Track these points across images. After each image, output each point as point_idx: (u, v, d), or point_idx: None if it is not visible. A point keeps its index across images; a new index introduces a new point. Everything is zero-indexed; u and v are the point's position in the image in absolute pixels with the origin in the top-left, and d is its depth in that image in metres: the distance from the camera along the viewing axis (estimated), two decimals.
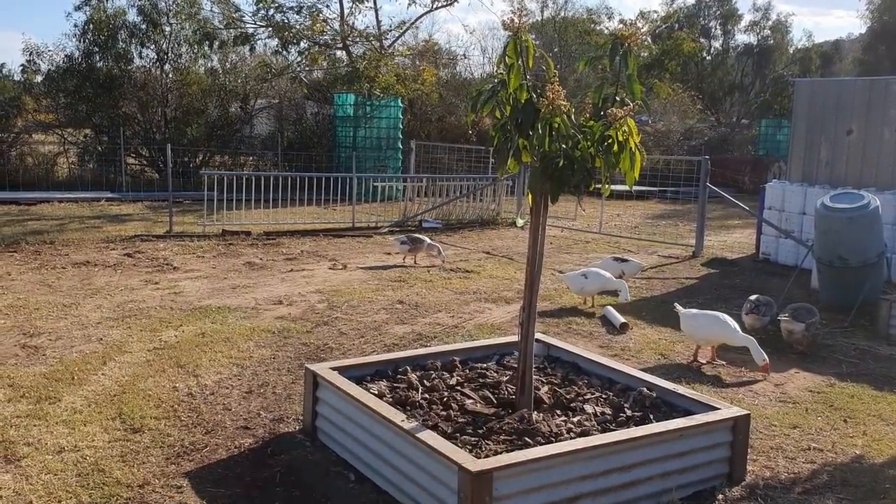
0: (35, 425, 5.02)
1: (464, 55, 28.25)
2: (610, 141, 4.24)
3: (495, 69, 4.43)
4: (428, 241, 11.29)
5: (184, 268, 10.56)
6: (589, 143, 4.32)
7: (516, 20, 4.36)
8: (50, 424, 5.05)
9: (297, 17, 18.92)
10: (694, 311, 7.22)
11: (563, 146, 4.24)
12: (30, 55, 22.06)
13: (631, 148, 4.26)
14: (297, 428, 5.22)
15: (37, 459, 4.54)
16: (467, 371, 5.39)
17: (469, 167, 20.99)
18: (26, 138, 21.35)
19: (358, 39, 20.09)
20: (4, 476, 4.33)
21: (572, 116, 4.36)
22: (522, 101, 4.35)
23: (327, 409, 4.98)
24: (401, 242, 11.33)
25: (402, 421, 4.29)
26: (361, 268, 11.02)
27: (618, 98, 4.46)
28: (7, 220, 14.43)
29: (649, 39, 29.46)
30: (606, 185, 4.60)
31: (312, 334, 7.48)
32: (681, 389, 5.03)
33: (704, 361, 6.93)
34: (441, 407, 4.76)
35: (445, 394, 4.94)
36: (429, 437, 4.09)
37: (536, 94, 4.34)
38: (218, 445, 4.89)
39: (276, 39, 19.06)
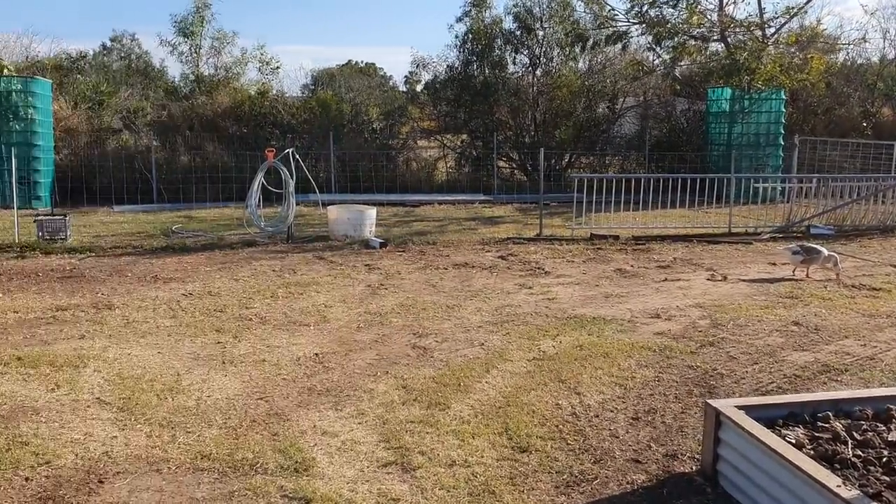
0: (427, 433, 5.08)
1: (863, 38, 24.97)
2: None
3: None
4: (825, 251, 9.92)
5: (555, 272, 10.49)
6: None
7: None
8: (440, 433, 5.07)
9: (673, 10, 18.15)
10: None
11: None
12: (416, 66, 24.09)
13: None
14: (694, 468, 4.65)
15: (430, 471, 4.54)
16: None
17: (862, 165, 18.48)
18: (412, 144, 23.30)
19: (738, 30, 18.69)
20: (402, 486, 4.37)
21: None
22: None
23: (732, 454, 4.35)
24: (793, 252, 10.11)
25: (838, 486, 3.52)
26: (744, 280, 10.05)
27: None
28: (396, 221, 15.72)
29: None
30: None
31: (698, 356, 6.82)
32: None
33: None
34: (881, 469, 3.88)
35: (884, 452, 4.03)
36: None
37: None
38: (608, 478, 4.51)
39: (650, 36, 18.47)
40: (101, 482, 4.34)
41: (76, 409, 5.40)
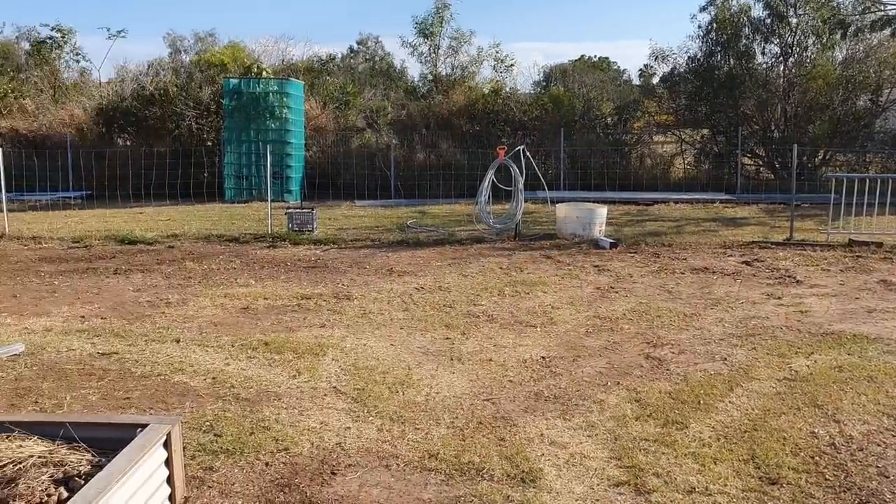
0: (663, 453, 4.70)
1: None
2: None
3: None
4: None
5: (808, 282, 9.53)
6: None
7: None
8: (678, 455, 4.67)
9: None
10: None
11: None
12: (653, 59, 23.26)
13: None
14: None
15: (667, 496, 4.18)
16: None
17: None
18: (646, 140, 22.47)
19: None
20: None
21: None
22: None
23: None
24: None
25: None
26: None
27: None
28: (627, 220, 15.17)
29: None
30: None
31: None
32: None
33: None
34: None
35: None
36: None
37: None
38: None
39: None
40: (333, 473, 4.43)
41: (314, 397, 5.61)
